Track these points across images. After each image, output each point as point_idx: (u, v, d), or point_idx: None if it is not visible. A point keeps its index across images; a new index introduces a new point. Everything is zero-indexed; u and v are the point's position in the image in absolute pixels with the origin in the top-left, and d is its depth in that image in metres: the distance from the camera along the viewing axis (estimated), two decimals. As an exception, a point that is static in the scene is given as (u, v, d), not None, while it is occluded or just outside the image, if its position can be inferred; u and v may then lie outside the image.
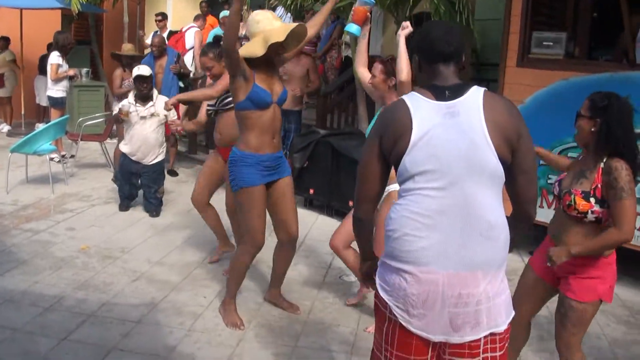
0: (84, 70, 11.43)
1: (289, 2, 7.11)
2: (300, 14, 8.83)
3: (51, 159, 7.76)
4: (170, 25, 10.29)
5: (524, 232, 2.31)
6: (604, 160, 2.82)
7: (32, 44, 10.38)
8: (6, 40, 10.89)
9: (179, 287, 4.64)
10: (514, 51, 5.59)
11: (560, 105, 5.05)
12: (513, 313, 2.16)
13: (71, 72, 8.59)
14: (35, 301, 4.30)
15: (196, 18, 10.46)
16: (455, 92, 2.11)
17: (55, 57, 8.45)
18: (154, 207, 6.43)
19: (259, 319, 4.16)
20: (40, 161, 7.87)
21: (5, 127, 11.15)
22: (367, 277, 2.53)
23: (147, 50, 10.51)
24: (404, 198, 2.11)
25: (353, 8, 3.96)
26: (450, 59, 2.18)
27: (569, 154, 4.69)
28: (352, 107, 8.19)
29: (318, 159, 6.65)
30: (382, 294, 2.16)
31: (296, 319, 4.21)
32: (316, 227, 6.25)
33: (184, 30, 10.28)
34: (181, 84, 8.26)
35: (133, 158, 6.32)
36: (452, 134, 2.05)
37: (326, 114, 8.38)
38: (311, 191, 6.79)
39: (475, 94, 2.10)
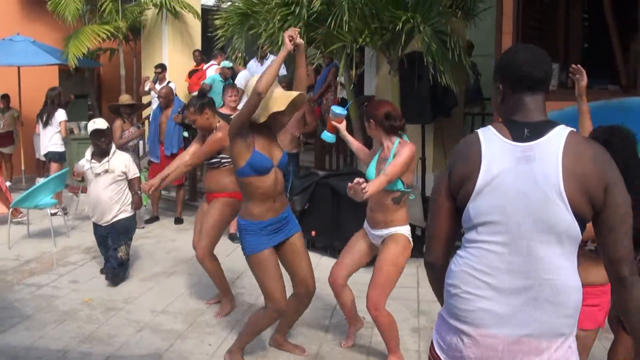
0: (83, 123, 11.56)
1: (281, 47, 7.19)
2: (293, 60, 8.95)
3: (52, 214, 7.77)
4: (168, 77, 10.43)
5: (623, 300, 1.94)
6: None
7: (30, 100, 10.49)
8: (7, 98, 11.02)
9: (184, 335, 4.59)
10: (507, 85, 5.65)
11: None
12: None
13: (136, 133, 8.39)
14: (40, 356, 4.26)
15: (214, 56, 10.67)
16: (536, 131, 1.90)
17: (62, 114, 8.52)
18: (110, 268, 5.73)
19: (266, 365, 4.11)
20: (41, 215, 7.88)
21: (7, 183, 11.18)
22: None
23: (145, 99, 10.66)
24: (466, 250, 1.98)
25: (328, 118, 4.31)
26: (538, 86, 1.96)
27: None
28: (349, 147, 8.23)
29: (318, 200, 6.66)
30: (438, 351, 2.03)
31: (304, 362, 4.16)
32: (319, 269, 6.17)
33: (204, 67, 10.44)
34: (186, 134, 8.32)
35: (93, 220, 5.89)
36: (523, 183, 1.86)
37: (324, 155, 8.43)
38: (313, 233, 6.78)
39: (558, 137, 1.87)
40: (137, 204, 5.90)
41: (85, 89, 13.84)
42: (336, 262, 4.27)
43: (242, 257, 6.47)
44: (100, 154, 5.75)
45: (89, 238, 7.47)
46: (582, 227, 1.87)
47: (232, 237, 7.36)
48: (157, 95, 8.58)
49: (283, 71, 8.35)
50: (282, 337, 4.33)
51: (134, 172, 5.84)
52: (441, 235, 2.06)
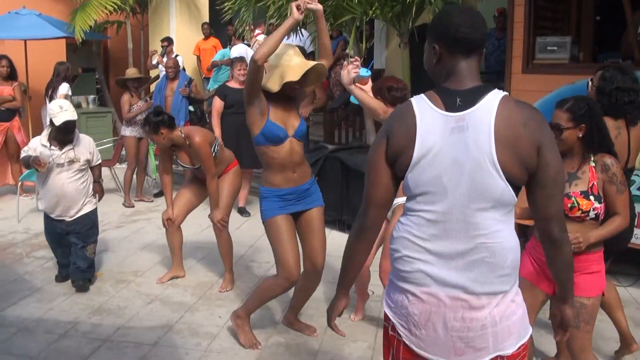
0: (91, 97, 11.53)
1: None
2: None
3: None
4: (175, 50, 10.36)
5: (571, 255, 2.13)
6: (592, 159, 2.98)
7: (37, 74, 10.45)
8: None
9: (194, 307, 4.61)
10: (519, 58, 5.59)
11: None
12: (530, 331, 2.07)
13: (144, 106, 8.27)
14: (50, 328, 4.28)
15: (257, 24, 10.33)
16: (469, 99, 1.92)
17: (65, 88, 8.47)
18: (80, 272, 4.93)
19: (275, 337, 4.12)
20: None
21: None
22: (332, 315, 2.32)
23: (153, 72, 10.61)
24: (407, 217, 2.04)
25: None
26: (474, 50, 1.97)
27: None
28: (359, 121, 8.18)
29: (327, 174, 6.64)
30: (387, 311, 2.12)
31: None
32: (329, 243, 6.19)
33: (255, 34, 10.30)
34: (191, 108, 8.31)
35: (53, 216, 4.98)
36: (457, 153, 1.90)
37: (333, 129, 8.39)
38: (322, 207, 6.77)
39: (490, 104, 1.90)
40: (100, 194, 5.24)
41: (92, 62, 13.78)
42: (383, 253, 4.20)
43: (251, 231, 6.52)
44: (64, 141, 4.88)
45: (98, 210, 7.48)
46: (517, 191, 1.94)
47: (242, 211, 7.37)
48: (164, 67, 8.52)
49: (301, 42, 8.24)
50: (294, 316, 4.31)
51: (97, 158, 5.13)
52: (380, 200, 2.07)
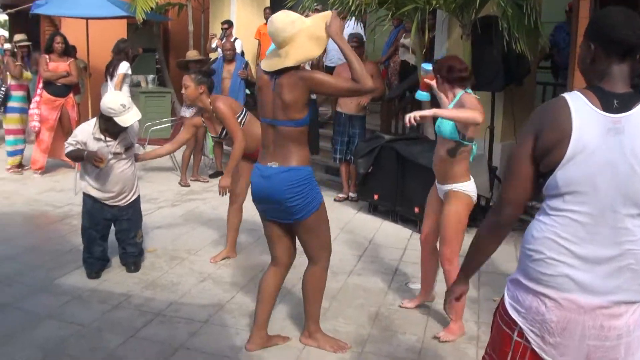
0: (150, 76, 11.72)
1: (352, 7, 7.02)
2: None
3: None
4: (235, 33, 10.42)
5: None
6: None
7: (98, 52, 10.64)
8: (74, 49, 11.23)
9: (246, 288, 4.63)
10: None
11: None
12: None
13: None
14: (103, 299, 4.38)
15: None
16: (624, 103, 1.89)
17: (125, 67, 8.55)
18: (132, 257, 5.00)
19: (324, 324, 4.10)
20: (108, 164, 8.03)
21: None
22: (449, 298, 2.36)
23: (212, 56, 10.71)
24: (550, 217, 1.96)
25: (421, 77, 4.16)
26: (629, 53, 1.93)
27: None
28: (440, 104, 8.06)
29: (383, 164, 6.58)
30: (513, 314, 2.02)
31: (363, 325, 4.14)
32: (381, 233, 6.18)
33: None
34: (247, 91, 8.36)
35: (110, 202, 4.84)
36: (612, 155, 1.86)
37: (390, 119, 8.30)
38: (375, 196, 6.73)
39: None
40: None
41: (152, 43, 13.97)
42: (444, 239, 4.04)
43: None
44: (119, 132, 4.72)
45: (155, 188, 7.66)
46: None
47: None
48: (222, 49, 8.59)
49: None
50: (317, 328, 3.91)
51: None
52: (518, 199, 2.03)
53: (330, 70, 9.08)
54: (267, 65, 3.35)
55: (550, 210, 1.97)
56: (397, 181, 6.45)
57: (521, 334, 1.99)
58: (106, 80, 8.75)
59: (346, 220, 6.62)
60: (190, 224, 6.27)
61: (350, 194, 7.45)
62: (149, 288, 4.59)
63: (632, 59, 1.94)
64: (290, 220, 3.50)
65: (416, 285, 4.72)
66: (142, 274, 4.85)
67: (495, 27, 6.22)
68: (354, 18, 7.45)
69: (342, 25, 3.27)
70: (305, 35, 3.24)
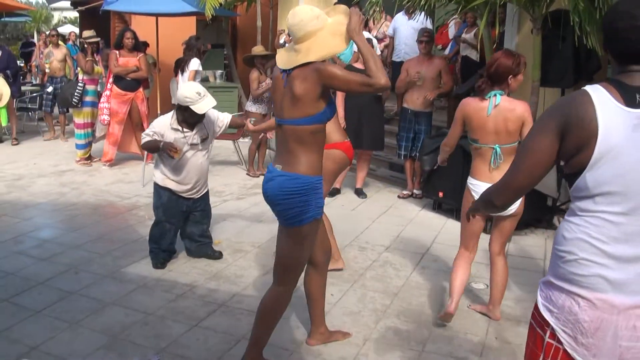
0: (219, 72, 11.90)
1: (422, 2, 6.93)
2: (433, 14, 8.65)
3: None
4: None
5: None
6: None
7: (167, 48, 10.87)
8: (145, 45, 11.52)
9: (307, 283, 4.64)
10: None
11: None
12: None
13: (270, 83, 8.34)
14: (168, 288, 4.48)
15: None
16: None
17: (196, 64, 8.69)
18: (210, 249, 5.15)
19: (385, 321, 4.08)
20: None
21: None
22: (474, 211, 2.51)
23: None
24: (581, 218, 1.93)
25: None
26: (633, 60, 1.87)
27: None
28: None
29: (448, 161, 6.47)
30: (546, 315, 2.00)
31: (424, 323, 4.09)
32: (445, 231, 6.09)
33: (448, 22, 10.24)
34: None
35: (186, 195, 4.94)
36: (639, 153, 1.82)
37: (457, 116, 8.16)
38: (440, 194, 6.64)
39: None
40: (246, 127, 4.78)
41: (221, 38, 14.20)
42: (494, 233, 4.17)
43: (368, 212, 6.51)
44: (196, 122, 4.80)
45: (221, 182, 7.80)
46: None
47: (358, 192, 7.38)
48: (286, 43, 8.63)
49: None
50: (325, 328, 3.86)
51: (225, 117, 5.02)
52: (524, 188, 2.06)
53: (398, 65, 8.99)
54: (284, 62, 3.18)
55: (581, 212, 1.93)
56: (462, 179, 6.31)
57: (553, 335, 1.96)
58: (176, 75, 8.95)
59: (409, 217, 6.56)
60: (254, 217, 6.34)
61: (415, 191, 7.38)
62: (213, 279, 4.67)
63: None
64: (279, 221, 3.36)
65: (479, 285, 4.64)
66: (207, 265, 4.93)
67: (565, 22, 6.04)
68: (423, 13, 7.36)
69: (361, 21, 3.08)
70: (328, 31, 3.11)
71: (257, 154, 8.37)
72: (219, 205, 6.74)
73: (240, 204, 6.82)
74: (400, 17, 9.73)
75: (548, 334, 1.98)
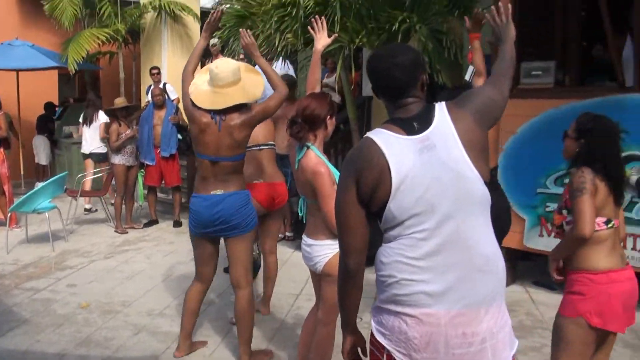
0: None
1: (278, 48, 7.12)
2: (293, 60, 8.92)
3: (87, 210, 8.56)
4: (165, 78, 10.42)
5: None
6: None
7: (29, 105, 10.48)
8: None
9: (181, 338, 4.56)
10: (503, 83, 5.62)
11: (552, 132, 4.97)
12: (517, 343, 2.07)
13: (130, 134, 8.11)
14: (36, 360, 4.24)
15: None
16: (423, 120, 2.01)
17: (104, 116, 8.90)
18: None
19: None
20: (39, 220, 7.86)
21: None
22: (344, 356, 2.25)
23: (144, 102, 10.67)
24: (395, 241, 2.00)
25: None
26: (402, 94, 2.08)
27: (565, 181, 4.67)
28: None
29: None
30: (380, 338, 2.04)
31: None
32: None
33: None
34: (179, 136, 8.32)
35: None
36: (433, 171, 1.95)
37: (328, 152, 8.38)
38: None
39: (443, 117, 2.01)
40: None
41: (83, 92, 13.83)
42: None
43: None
44: None
45: (88, 241, 7.52)
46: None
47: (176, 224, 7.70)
48: (151, 95, 8.58)
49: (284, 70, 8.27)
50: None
51: None
52: (358, 246, 2.07)
53: None
54: (213, 103, 3.77)
55: (394, 238, 2.01)
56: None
57: (390, 356, 2.01)
58: (80, 132, 9.05)
59: (284, 259, 6.60)
60: (124, 275, 6.16)
61: (287, 234, 7.45)
62: (83, 345, 4.48)
63: (410, 91, 2.07)
64: (232, 233, 3.88)
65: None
66: (76, 331, 4.72)
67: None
68: (281, 59, 7.57)
69: (253, 42, 3.92)
70: (247, 79, 3.86)
71: (123, 209, 8.14)
72: (87, 265, 6.50)
73: (108, 263, 6.59)
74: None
75: (385, 356, 2.03)
